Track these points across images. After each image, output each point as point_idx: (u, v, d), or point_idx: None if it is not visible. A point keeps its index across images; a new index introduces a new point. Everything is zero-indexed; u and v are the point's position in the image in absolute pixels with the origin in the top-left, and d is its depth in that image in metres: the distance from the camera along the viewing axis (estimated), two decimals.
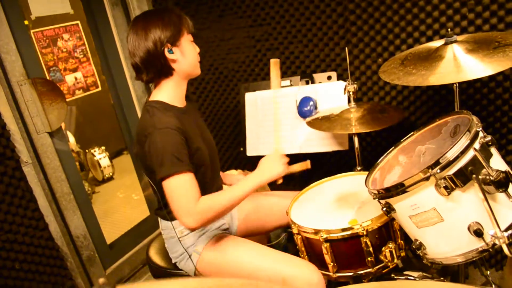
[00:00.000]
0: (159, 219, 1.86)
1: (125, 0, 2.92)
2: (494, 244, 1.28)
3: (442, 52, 1.62)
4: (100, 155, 4.84)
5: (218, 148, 3.05)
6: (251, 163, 2.84)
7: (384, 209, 1.44)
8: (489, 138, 1.31)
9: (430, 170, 1.28)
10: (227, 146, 3.03)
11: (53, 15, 2.73)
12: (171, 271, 1.87)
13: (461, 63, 1.53)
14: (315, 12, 2.38)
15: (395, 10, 2.16)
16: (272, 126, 2.48)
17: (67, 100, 4.25)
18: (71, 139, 4.67)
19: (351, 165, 2.33)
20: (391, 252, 1.59)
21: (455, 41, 1.63)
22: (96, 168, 4.86)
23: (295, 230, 1.70)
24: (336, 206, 1.79)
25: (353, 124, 1.95)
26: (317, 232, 1.60)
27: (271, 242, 2.31)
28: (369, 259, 1.59)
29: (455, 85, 1.77)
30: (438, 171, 1.27)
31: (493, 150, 1.34)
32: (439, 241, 1.38)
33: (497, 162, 1.33)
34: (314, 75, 2.46)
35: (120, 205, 4.39)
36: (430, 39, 2.11)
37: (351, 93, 2.04)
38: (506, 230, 1.27)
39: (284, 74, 2.63)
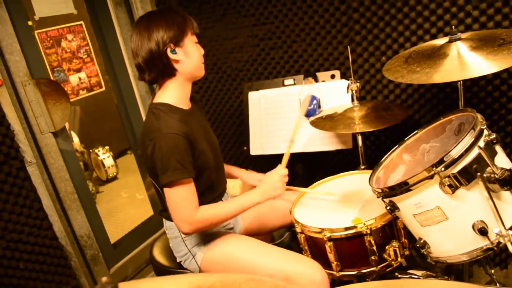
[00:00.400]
0: (163, 219, 1.86)
1: (129, 0, 2.92)
2: (499, 243, 1.28)
3: (446, 50, 1.61)
4: (104, 155, 4.85)
5: (222, 147, 3.05)
6: (254, 162, 2.85)
7: (388, 207, 1.44)
8: (493, 136, 1.31)
9: (434, 168, 1.27)
10: (230, 145, 3.03)
11: (57, 15, 2.73)
12: (174, 270, 1.87)
13: (465, 60, 1.52)
14: (318, 11, 2.37)
15: (398, 8, 2.15)
16: (274, 125, 2.48)
17: (71, 100, 4.27)
18: (75, 139, 4.68)
19: (354, 163, 2.32)
20: (395, 251, 1.58)
21: (459, 39, 1.62)
22: (100, 167, 4.87)
23: (298, 229, 1.70)
24: (340, 205, 1.79)
25: (356, 123, 1.95)
26: (320, 231, 1.60)
27: (275, 241, 2.30)
28: (372, 258, 1.58)
29: (459, 82, 1.76)
30: (443, 169, 1.26)
31: (498, 148, 1.33)
32: (444, 239, 1.38)
33: (502, 160, 1.33)
34: (318, 74, 2.45)
35: (124, 204, 4.40)
36: (434, 36, 2.10)
37: (354, 91, 2.03)
38: (511, 228, 1.27)
39: (287, 73, 2.63)
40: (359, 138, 2.08)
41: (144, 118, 2.92)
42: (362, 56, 2.34)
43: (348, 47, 2.10)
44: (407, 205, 1.39)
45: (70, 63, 4.63)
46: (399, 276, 1.59)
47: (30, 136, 2.27)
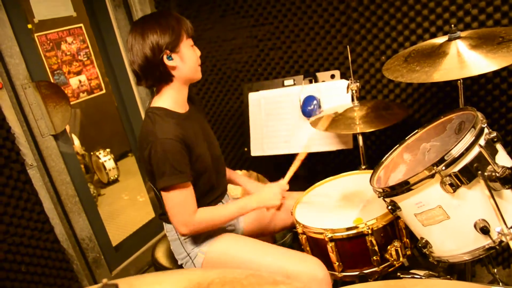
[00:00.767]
0: (163, 223, 1.86)
1: (128, 2, 2.92)
2: (501, 241, 1.27)
3: (445, 49, 1.61)
4: (105, 158, 4.85)
5: (222, 148, 3.05)
6: (255, 163, 2.85)
7: (389, 207, 1.43)
8: (494, 134, 1.30)
9: (435, 167, 1.27)
10: (231, 147, 3.03)
11: (56, 18, 2.74)
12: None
13: (465, 59, 1.52)
14: (318, 11, 2.37)
15: (397, 7, 2.15)
16: (274, 126, 2.48)
17: (72, 103, 4.27)
18: (76, 141, 4.68)
19: (355, 164, 2.32)
20: (396, 251, 1.58)
21: (459, 37, 1.62)
22: (101, 170, 4.87)
23: (300, 230, 1.69)
24: (341, 205, 1.78)
25: (357, 123, 1.94)
26: (322, 231, 1.59)
27: (277, 242, 2.30)
28: (374, 258, 1.58)
29: (459, 81, 1.76)
30: (443, 168, 1.26)
31: (498, 146, 1.33)
32: (445, 239, 1.37)
33: (503, 159, 1.32)
34: (318, 74, 2.45)
35: (126, 207, 4.40)
36: (433, 35, 2.10)
37: (354, 91, 2.03)
38: None
39: (287, 73, 2.63)
40: (360, 138, 2.07)
41: None
42: (362, 56, 2.34)
43: (348, 46, 2.10)
44: (408, 204, 1.38)
45: (70, 65, 4.64)
46: (401, 276, 1.59)
47: (30, 139, 2.27)
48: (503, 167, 1.24)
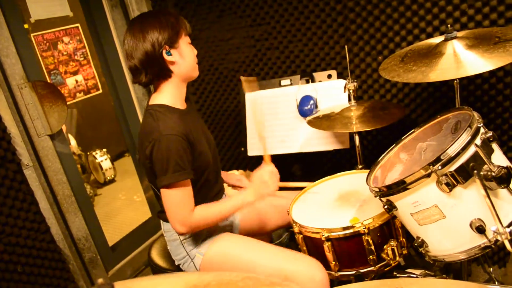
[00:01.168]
0: (161, 221, 1.86)
1: (124, 2, 2.92)
2: (497, 240, 1.28)
3: (442, 49, 1.61)
4: (102, 158, 4.84)
5: (219, 148, 3.05)
6: (252, 163, 2.85)
7: (386, 206, 1.44)
8: (490, 134, 1.31)
9: (431, 167, 1.27)
10: (228, 147, 3.03)
11: (53, 18, 2.73)
12: (173, 272, 1.86)
13: (461, 59, 1.53)
14: (315, 11, 2.37)
15: (394, 7, 2.15)
16: (271, 126, 2.48)
17: (68, 103, 4.27)
18: (73, 141, 4.67)
19: (352, 163, 2.33)
20: (393, 250, 1.58)
21: (455, 37, 1.62)
22: (97, 170, 4.86)
23: (296, 230, 1.69)
24: (338, 205, 1.78)
25: (353, 122, 1.95)
26: (318, 231, 1.59)
27: (274, 242, 2.30)
28: (371, 257, 1.58)
29: (455, 81, 1.76)
30: (440, 167, 1.26)
31: (494, 146, 1.33)
32: (441, 238, 1.38)
33: (499, 158, 1.33)
34: (314, 74, 2.45)
35: (122, 207, 4.39)
36: (430, 35, 2.10)
37: (351, 91, 2.03)
38: (508, 226, 1.27)
39: (284, 73, 2.63)
40: (357, 138, 2.08)
41: (141, 120, 2.91)
42: (359, 56, 2.34)
43: (345, 46, 2.10)
44: (404, 204, 1.39)
45: (67, 65, 4.63)
46: (398, 275, 1.59)
47: (26, 139, 2.26)
48: (499, 166, 1.24)
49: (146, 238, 3.12)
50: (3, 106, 2.12)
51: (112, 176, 4.91)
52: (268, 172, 1.75)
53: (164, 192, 1.61)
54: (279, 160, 2.30)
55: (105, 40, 2.91)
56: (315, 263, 1.63)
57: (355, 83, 2.02)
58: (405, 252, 1.65)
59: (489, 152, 1.29)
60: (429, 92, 2.23)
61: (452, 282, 1.16)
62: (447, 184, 1.26)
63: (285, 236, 2.29)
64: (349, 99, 2.07)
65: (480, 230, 1.26)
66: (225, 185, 2.02)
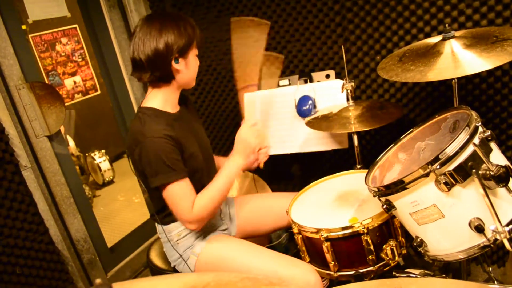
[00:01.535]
0: (155, 224, 1.86)
1: (122, 3, 2.92)
2: (496, 240, 1.28)
3: (440, 48, 1.61)
4: (100, 159, 4.84)
5: (218, 149, 3.04)
6: None
7: (385, 206, 1.44)
8: (488, 133, 1.31)
9: (429, 166, 1.27)
10: (226, 147, 3.03)
11: (51, 19, 2.73)
12: (172, 273, 1.86)
13: (459, 58, 1.53)
14: (313, 11, 2.37)
15: (392, 7, 2.15)
16: (271, 126, 2.48)
17: (66, 104, 4.27)
18: (71, 143, 4.67)
19: (350, 163, 2.33)
20: (392, 250, 1.58)
21: (453, 37, 1.62)
22: (96, 171, 4.86)
23: (295, 230, 1.69)
24: (336, 205, 1.78)
25: (352, 122, 1.95)
26: (317, 231, 1.59)
27: (272, 242, 2.30)
28: (370, 257, 1.58)
29: (453, 80, 1.76)
30: (438, 167, 1.26)
31: (492, 145, 1.33)
32: (440, 237, 1.38)
33: (497, 157, 1.33)
34: (313, 74, 2.45)
35: (121, 208, 4.39)
36: (428, 35, 2.10)
37: (349, 91, 2.03)
38: (507, 225, 1.27)
39: (282, 74, 2.62)
40: (355, 138, 2.08)
41: None
42: (357, 56, 2.34)
43: (342, 46, 2.10)
44: (403, 203, 1.39)
45: (65, 66, 4.63)
46: (397, 275, 1.59)
47: (24, 140, 2.26)
48: (497, 165, 1.24)
49: (145, 239, 3.12)
50: (1, 107, 2.12)
51: (111, 177, 4.90)
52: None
53: (163, 194, 1.62)
54: (278, 160, 2.30)
55: (103, 41, 2.91)
56: (309, 268, 1.64)
57: (353, 83, 2.02)
58: (404, 252, 1.65)
59: (488, 151, 1.29)
60: (427, 92, 2.23)
61: (451, 282, 1.16)
62: (445, 184, 1.26)
63: (284, 236, 2.30)
64: (347, 99, 2.07)
65: (479, 229, 1.26)
66: None
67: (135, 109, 3.09)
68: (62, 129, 2.56)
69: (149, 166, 1.57)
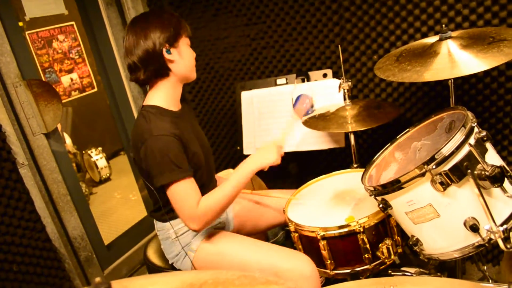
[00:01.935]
0: (154, 220, 1.86)
1: (120, 0, 2.91)
2: (490, 239, 1.29)
3: (436, 48, 1.62)
4: (97, 156, 4.83)
5: (215, 147, 3.05)
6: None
7: (381, 205, 1.45)
8: (484, 133, 1.32)
9: (425, 166, 1.28)
10: (223, 145, 3.03)
11: (48, 16, 2.72)
12: (169, 270, 1.87)
13: (455, 58, 1.53)
14: (310, 10, 2.38)
15: (389, 6, 2.16)
16: (267, 125, 2.48)
17: (63, 101, 4.25)
18: (68, 140, 4.66)
19: (347, 162, 2.33)
20: (388, 249, 1.59)
21: (450, 37, 1.63)
22: (93, 169, 4.85)
23: (292, 228, 1.70)
24: (333, 204, 1.79)
25: (349, 122, 1.96)
26: (314, 229, 1.60)
27: (269, 240, 2.31)
28: (366, 256, 1.59)
29: (450, 81, 1.77)
30: (434, 167, 1.27)
31: (488, 145, 1.34)
32: (436, 237, 1.39)
33: (492, 157, 1.34)
34: (310, 73, 2.46)
35: (118, 205, 4.39)
36: (425, 35, 2.11)
37: (346, 90, 2.04)
38: (501, 224, 1.28)
39: (280, 72, 2.63)
40: (352, 137, 2.09)
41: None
42: (354, 55, 2.35)
43: (340, 46, 2.11)
44: (399, 203, 1.40)
45: (62, 63, 4.61)
46: (393, 273, 1.61)
47: (22, 138, 2.25)
48: (492, 165, 1.25)
49: (142, 236, 3.12)
50: None
51: (108, 174, 4.90)
52: (273, 145, 1.74)
53: (168, 192, 1.61)
54: None
55: (100, 38, 2.91)
56: (305, 259, 1.64)
57: (349, 83, 2.02)
58: (400, 250, 1.66)
59: (483, 151, 1.31)
60: (424, 92, 2.24)
61: (446, 280, 1.17)
62: (441, 183, 1.27)
63: (281, 234, 2.30)
64: (344, 99, 2.08)
65: (474, 228, 1.28)
66: None
67: (132, 106, 3.09)
68: (59, 126, 2.55)
69: (155, 164, 1.57)
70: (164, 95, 1.70)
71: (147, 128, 1.59)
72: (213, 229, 1.86)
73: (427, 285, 1.02)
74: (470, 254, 1.35)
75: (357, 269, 1.62)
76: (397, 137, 1.67)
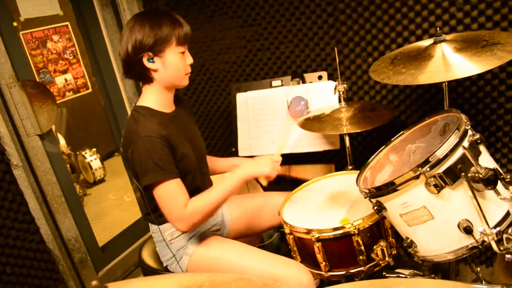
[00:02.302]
0: (149, 223, 1.86)
1: (115, 1, 2.91)
2: (484, 241, 1.30)
3: (431, 51, 1.63)
4: (91, 157, 4.81)
5: (210, 148, 3.05)
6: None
7: (375, 207, 1.45)
8: (477, 136, 1.33)
9: (420, 168, 1.29)
10: (218, 147, 3.03)
11: (42, 16, 2.71)
12: (163, 273, 1.86)
13: (450, 62, 1.55)
14: (305, 12, 2.38)
15: (384, 9, 2.17)
16: (262, 127, 2.48)
17: (58, 102, 4.23)
18: (62, 141, 4.64)
19: (342, 164, 2.34)
20: (382, 251, 1.60)
21: (444, 40, 1.64)
22: (87, 170, 4.83)
23: (287, 230, 1.70)
24: (328, 206, 1.80)
25: (344, 124, 1.96)
26: (308, 231, 1.60)
27: (264, 242, 2.31)
28: (360, 257, 1.59)
29: (444, 83, 1.78)
30: (428, 169, 1.28)
31: (482, 148, 1.35)
32: (430, 238, 1.40)
33: (486, 160, 1.35)
34: (305, 75, 2.46)
35: (112, 207, 4.37)
36: (419, 38, 2.13)
37: (341, 92, 2.05)
38: (495, 227, 1.29)
39: (275, 74, 2.64)
40: (347, 139, 2.09)
41: None
42: (349, 58, 2.36)
43: (335, 48, 2.12)
44: (394, 205, 1.40)
45: (56, 64, 4.59)
46: (387, 275, 1.61)
47: (16, 139, 2.24)
48: (486, 168, 1.26)
49: (137, 238, 3.11)
50: None
51: (102, 176, 4.88)
52: (271, 158, 1.75)
53: (154, 193, 1.61)
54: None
55: (95, 39, 2.90)
56: (301, 268, 1.64)
57: (345, 85, 2.03)
58: (394, 252, 1.67)
59: (477, 154, 1.31)
60: (418, 94, 2.25)
61: (440, 282, 1.18)
62: (435, 186, 1.27)
63: (276, 236, 2.31)
64: (339, 101, 2.09)
65: (468, 231, 1.28)
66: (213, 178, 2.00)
67: (127, 107, 3.08)
68: (53, 127, 2.54)
69: (140, 165, 1.57)
70: (154, 98, 1.69)
71: (135, 129, 1.59)
72: (210, 232, 1.86)
73: (421, 286, 1.02)
74: (464, 256, 1.35)
75: (352, 271, 1.63)
76: (392, 139, 1.67)
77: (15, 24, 2.60)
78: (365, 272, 1.63)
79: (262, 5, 2.50)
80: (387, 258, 1.62)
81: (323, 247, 1.61)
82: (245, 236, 2.05)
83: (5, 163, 2.11)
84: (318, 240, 1.59)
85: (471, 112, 2.13)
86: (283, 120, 2.42)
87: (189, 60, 1.70)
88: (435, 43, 1.65)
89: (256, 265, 1.66)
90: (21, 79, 2.31)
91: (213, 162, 2.07)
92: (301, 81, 2.43)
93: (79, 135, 5.15)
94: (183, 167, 1.67)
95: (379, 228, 1.63)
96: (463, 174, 1.27)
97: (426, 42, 1.76)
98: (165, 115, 1.71)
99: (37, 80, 4.22)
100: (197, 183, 1.77)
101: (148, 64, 1.60)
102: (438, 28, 1.68)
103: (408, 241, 1.44)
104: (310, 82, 2.43)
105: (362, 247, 1.58)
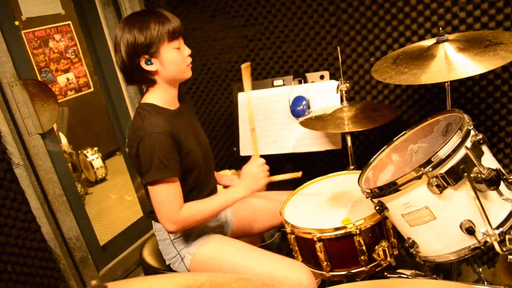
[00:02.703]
0: (152, 221, 1.85)
1: (117, 0, 2.90)
2: (486, 242, 1.29)
3: (433, 51, 1.63)
4: (93, 156, 4.81)
5: (212, 148, 3.04)
6: (244, 163, 2.84)
7: (377, 208, 1.45)
8: (480, 136, 1.32)
9: (422, 168, 1.28)
10: (220, 146, 3.03)
11: (44, 15, 2.71)
12: (165, 272, 1.86)
13: (452, 61, 1.54)
14: (308, 11, 2.38)
15: (387, 9, 2.17)
16: (264, 126, 2.48)
17: (59, 101, 4.23)
18: (63, 140, 4.64)
19: (344, 164, 2.33)
20: (384, 251, 1.59)
21: (447, 40, 1.64)
22: (88, 169, 4.83)
23: (288, 230, 1.70)
24: (329, 206, 1.79)
25: (346, 123, 1.96)
26: (310, 231, 1.60)
27: (265, 241, 2.31)
28: (362, 257, 1.59)
29: (446, 83, 1.78)
30: (430, 169, 1.27)
31: (484, 148, 1.34)
32: (432, 239, 1.39)
33: (489, 160, 1.34)
34: (307, 75, 2.46)
35: (113, 206, 4.37)
36: (422, 38, 2.12)
37: (343, 92, 2.04)
38: (497, 227, 1.28)
39: (277, 74, 2.63)
40: (349, 139, 2.09)
41: None
42: (351, 57, 2.36)
43: (338, 48, 2.11)
44: (395, 205, 1.40)
45: (58, 63, 4.60)
46: (389, 275, 1.60)
47: (17, 138, 2.24)
48: (488, 168, 1.25)
49: (138, 237, 3.11)
50: None
51: (103, 174, 4.88)
52: (257, 166, 1.76)
53: (150, 190, 1.61)
54: (271, 160, 2.31)
55: (97, 38, 2.90)
56: (303, 268, 1.64)
57: (348, 84, 2.03)
58: (396, 252, 1.66)
59: (479, 154, 1.31)
60: (421, 94, 2.24)
61: (442, 283, 1.18)
62: (437, 186, 1.27)
63: (277, 236, 2.30)
64: (342, 100, 2.08)
65: (470, 231, 1.28)
66: (219, 186, 2.02)
67: (129, 106, 3.08)
68: (55, 126, 2.54)
69: (145, 161, 1.56)
70: (159, 96, 1.69)
71: (141, 126, 1.59)
72: (213, 231, 1.86)
73: (423, 287, 1.02)
74: (466, 256, 1.35)
75: (353, 271, 1.62)
76: (394, 139, 1.67)
77: (17, 23, 2.60)
78: (367, 273, 1.62)
79: (264, 4, 2.49)
80: (388, 259, 1.62)
81: (324, 247, 1.60)
82: (247, 236, 2.05)
83: (7, 162, 2.11)
84: (319, 240, 1.59)
85: (473, 112, 2.12)
86: (285, 120, 2.42)
87: (186, 51, 1.68)
88: (437, 42, 1.65)
89: (258, 265, 1.66)
90: (23, 78, 2.30)
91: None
92: (302, 81, 2.43)
93: (80, 134, 5.16)
94: (189, 163, 1.67)
95: (381, 228, 1.63)
96: (465, 174, 1.26)
97: (428, 42, 1.75)
98: (171, 112, 1.71)
99: (39, 79, 4.22)
100: (201, 180, 1.77)
101: (147, 67, 1.60)
102: (440, 28, 1.67)
103: (410, 241, 1.44)
104: (312, 81, 2.43)
105: (364, 247, 1.58)
